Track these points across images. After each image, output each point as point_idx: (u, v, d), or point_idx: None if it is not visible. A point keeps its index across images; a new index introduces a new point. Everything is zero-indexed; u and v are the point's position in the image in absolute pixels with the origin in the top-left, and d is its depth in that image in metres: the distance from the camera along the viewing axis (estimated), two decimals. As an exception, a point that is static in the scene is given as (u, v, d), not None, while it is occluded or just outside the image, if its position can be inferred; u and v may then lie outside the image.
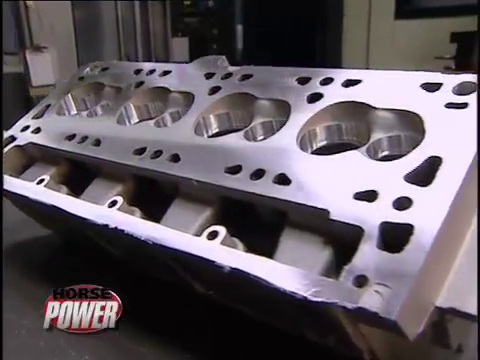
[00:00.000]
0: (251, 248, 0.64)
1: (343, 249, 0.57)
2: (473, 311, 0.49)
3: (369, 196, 0.55)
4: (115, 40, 7.59)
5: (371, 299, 0.47)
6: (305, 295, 0.50)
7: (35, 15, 6.67)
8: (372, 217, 0.53)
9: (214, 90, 0.82)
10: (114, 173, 0.81)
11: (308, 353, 0.68)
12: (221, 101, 0.80)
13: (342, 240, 0.56)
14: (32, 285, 0.88)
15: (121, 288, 0.77)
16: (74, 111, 1.02)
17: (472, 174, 0.52)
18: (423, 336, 0.50)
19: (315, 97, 0.71)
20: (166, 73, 0.93)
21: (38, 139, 0.93)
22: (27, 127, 0.97)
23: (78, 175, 0.88)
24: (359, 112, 0.67)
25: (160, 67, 0.95)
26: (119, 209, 0.70)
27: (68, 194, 0.83)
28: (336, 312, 0.50)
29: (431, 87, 0.63)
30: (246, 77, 0.82)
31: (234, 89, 0.80)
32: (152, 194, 0.78)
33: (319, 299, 0.49)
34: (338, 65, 4.57)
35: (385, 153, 0.64)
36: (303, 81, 0.75)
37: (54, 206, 0.76)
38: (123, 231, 0.66)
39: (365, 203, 0.54)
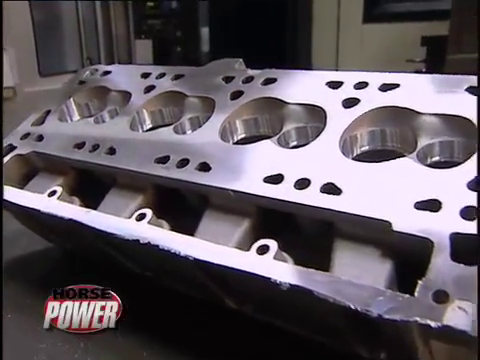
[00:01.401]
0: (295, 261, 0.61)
1: (404, 262, 0.55)
2: None
3: (432, 205, 0.52)
4: (77, 42, 7.42)
5: (456, 316, 0.44)
6: (380, 313, 0.47)
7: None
8: (440, 228, 0.50)
9: (236, 95, 0.78)
10: (132, 183, 0.76)
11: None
12: (247, 106, 0.76)
13: (403, 252, 0.54)
14: (40, 303, 0.81)
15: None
16: (77, 117, 0.96)
17: None
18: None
19: (352, 102, 0.68)
20: (178, 77, 0.88)
21: (42, 147, 0.86)
22: (27, 134, 0.91)
23: (88, 185, 0.83)
24: (403, 117, 0.64)
25: (170, 71, 0.90)
26: (149, 222, 0.66)
27: (81, 206, 0.78)
28: (412, 330, 0.47)
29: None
30: (270, 81, 0.78)
31: (258, 93, 0.77)
32: (175, 205, 0.74)
33: (397, 317, 0.46)
34: (308, 67, 4.58)
35: (435, 159, 0.62)
36: (335, 85, 0.72)
37: (72, 220, 0.70)
38: (157, 247, 0.62)
39: (429, 213, 0.52)
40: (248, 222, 0.65)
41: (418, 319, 0.45)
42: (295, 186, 0.61)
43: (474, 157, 0.55)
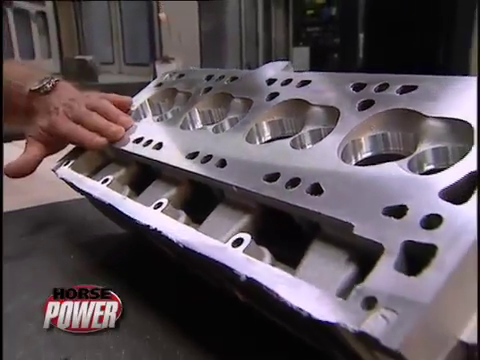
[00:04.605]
0: (285, 260, 0.62)
1: (366, 268, 0.53)
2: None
3: (398, 212, 0.50)
4: (237, 49, 7.83)
5: (375, 324, 0.42)
6: (310, 312, 0.47)
7: (166, 28, 7.14)
8: (395, 235, 0.48)
9: (272, 96, 0.81)
10: (170, 176, 0.82)
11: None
12: (276, 108, 0.78)
13: (366, 258, 0.52)
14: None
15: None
16: (149, 116, 1.06)
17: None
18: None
19: (366, 104, 0.67)
20: (233, 79, 0.93)
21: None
22: (106, 130, 1.03)
23: (143, 178, 0.92)
24: (408, 121, 0.61)
25: (229, 73, 0.96)
26: (163, 211, 0.72)
27: (129, 195, 0.86)
28: (344, 334, 0.46)
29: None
30: (304, 83, 0.79)
31: (291, 95, 0.78)
32: (203, 199, 0.79)
33: (322, 318, 0.46)
34: (465, 72, 4.22)
35: (430, 167, 0.58)
36: (358, 87, 0.71)
37: (110, 205, 0.80)
38: (161, 233, 0.68)
39: (392, 219, 0.50)
40: (247, 218, 0.67)
41: (340, 322, 0.44)
42: (286, 185, 0.62)
43: (457, 164, 0.51)
